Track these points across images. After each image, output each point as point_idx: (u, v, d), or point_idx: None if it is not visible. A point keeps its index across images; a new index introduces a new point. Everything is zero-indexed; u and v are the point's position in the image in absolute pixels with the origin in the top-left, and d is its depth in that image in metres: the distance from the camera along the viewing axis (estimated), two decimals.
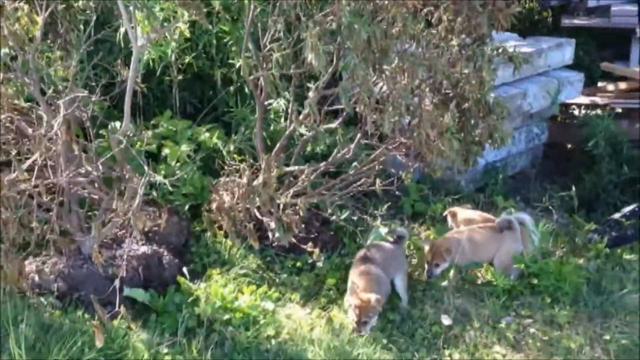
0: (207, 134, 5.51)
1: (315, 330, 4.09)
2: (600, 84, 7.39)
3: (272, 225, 4.21)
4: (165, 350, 3.74)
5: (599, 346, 4.01)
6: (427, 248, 4.66)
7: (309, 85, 4.98)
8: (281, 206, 3.98)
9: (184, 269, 4.42)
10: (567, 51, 6.54)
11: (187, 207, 5.14)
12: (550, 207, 5.35)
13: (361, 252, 4.45)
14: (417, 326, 4.18)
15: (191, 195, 5.17)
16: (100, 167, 4.01)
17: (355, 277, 4.24)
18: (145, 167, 3.74)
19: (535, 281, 4.52)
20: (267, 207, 3.84)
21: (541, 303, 4.42)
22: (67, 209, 4.22)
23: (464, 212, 5.13)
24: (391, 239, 4.62)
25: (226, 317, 4.03)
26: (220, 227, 4.89)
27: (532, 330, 4.18)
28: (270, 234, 4.75)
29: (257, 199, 3.89)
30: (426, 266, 4.61)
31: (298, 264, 4.77)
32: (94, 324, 3.47)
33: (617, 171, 5.99)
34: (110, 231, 4.18)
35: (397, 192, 4.92)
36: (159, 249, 4.55)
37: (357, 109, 3.97)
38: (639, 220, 5.12)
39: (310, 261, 4.77)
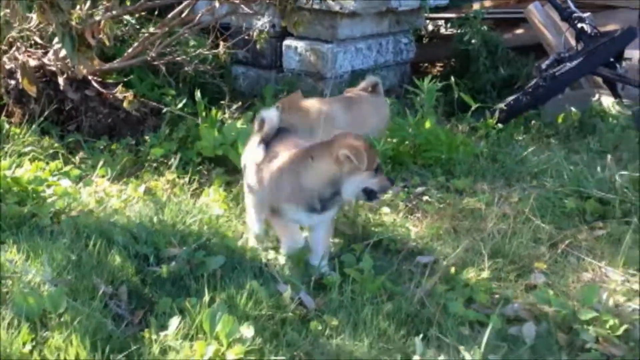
0: None
1: (132, 206, 2.82)
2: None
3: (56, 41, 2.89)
4: None
5: (507, 204, 3.13)
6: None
7: None
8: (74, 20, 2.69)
9: None
10: None
11: None
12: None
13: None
14: None
15: None
16: None
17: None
18: None
19: (423, 152, 3.59)
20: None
21: (432, 174, 3.49)
22: None
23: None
24: None
25: None
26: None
27: (425, 197, 3.23)
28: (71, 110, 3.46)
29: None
30: None
31: (114, 146, 3.48)
32: None
33: (493, 70, 5.36)
34: None
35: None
36: None
37: None
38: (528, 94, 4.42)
39: (131, 142, 3.52)
